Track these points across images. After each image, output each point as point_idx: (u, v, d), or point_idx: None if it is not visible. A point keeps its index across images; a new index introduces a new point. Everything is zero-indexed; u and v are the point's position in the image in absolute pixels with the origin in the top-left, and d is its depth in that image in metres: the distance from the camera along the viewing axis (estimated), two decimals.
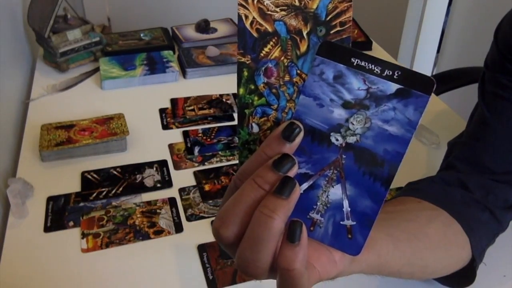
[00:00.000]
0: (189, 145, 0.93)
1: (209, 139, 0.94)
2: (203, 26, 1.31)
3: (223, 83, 1.13)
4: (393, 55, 1.53)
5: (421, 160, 0.91)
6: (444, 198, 0.58)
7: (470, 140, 0.65)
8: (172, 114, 1.02)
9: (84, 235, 0.73)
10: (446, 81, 1.34)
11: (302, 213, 0.37)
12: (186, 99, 1.06)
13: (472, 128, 0.66)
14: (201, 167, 0.88)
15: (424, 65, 2.05)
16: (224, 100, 1.06)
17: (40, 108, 1.02)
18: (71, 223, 0.75)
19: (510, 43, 0.62)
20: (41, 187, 0.81)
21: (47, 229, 0.74)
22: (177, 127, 0.98)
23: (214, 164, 0.89)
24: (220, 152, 0.91)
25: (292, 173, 0.35)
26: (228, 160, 0.89)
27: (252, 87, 0.38)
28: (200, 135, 0.95)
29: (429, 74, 2.05)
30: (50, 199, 0.79)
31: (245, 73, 0.38)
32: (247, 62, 0.37)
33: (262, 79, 0.38)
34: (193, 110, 1.03)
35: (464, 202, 0.59)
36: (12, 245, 0.72)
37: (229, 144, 0.93)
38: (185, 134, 0.96)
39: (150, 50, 1.21)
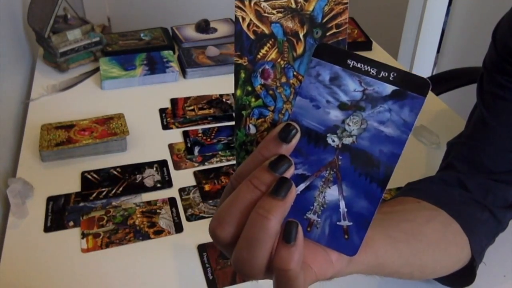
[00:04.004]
0: (189, 145, 0.93)
1: (209, 139, 0.94)
2: (203, 26, 1.31)
3: (223, 83, 1.13)
4: (393, 55, 1.53)
5: (421, 160, 0.91)
6: (443, 198, 0.58)
7: (469, 140, 0.65)
8: (172, 114, 1.02)
9: (84, 235, 0.73)
10: (446, 81, 1.34)
11: (299, 214, 0.37)
12: (186, 99, 1.06)
13: (471, 128, 0.66)
14: (201, 167, 0.88)
15: (424, 65, 2.05)
16: (224, 100, 1.06)
17: (40, 108, 1.02)
18: (71, 223, 0.75)
19: (508, 44, 0.62)
20: (41, 187, 0.81)
21: (47, 229, 0.74)
22: (177, 127, 0.98)
23: (214, 164, 0.89)
24: (220, 152, 0.91)
25: (288, 174, 0.35)
26: (228, 160, 0.89)
27: (249, 88, 0.38)
28: (200, 135, 0.95)
29: (429, 74, 2.05)
30: (50, 199, 0.79)
31: (242, 75, 0.38)
32: (244, 64, 0.37)
33: (259, 80, 0.38)
34: (193, 110, 1.03)
35: (464, 202, 0.59)
36: (12, 245, 0.72)
37: (229, 144, 0.93)
38: (185, 134, 0.96)
39: (150, 50, 1.21)
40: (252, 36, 0.37)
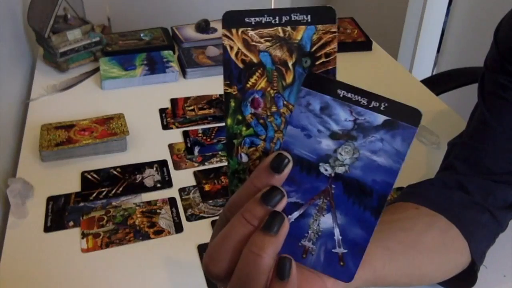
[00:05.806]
0: (189, 145, 0.93)
1: (209, 139, 0.94)
2: (203, 26, 1.31)
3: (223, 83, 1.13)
4: (393, 55, 1.52)
5: (421, 160, 0.91)
6: (442, 202, 0.58)
7: (469, 140, 0.65)
8: (172, 114, 1.02)
9: (84, 235, 0.73)
10: (446, 81, 1.34)
11: (294, 241, 0.37)
12: (186, 99, 1.06)
13: (472, 129, 0.66)
14: (201, 167, 0.88)
15: (424, 65, 2.05)
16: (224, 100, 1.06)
17: (40, 108, 1.02)
18: (71, 223, 0.75)
19: (509, 44, 0.62)
20: (41, 187, 0.81)
21: (47, 229, 0.74)
22: (177, 127, 0.98)
23: (214, 164, 0.89)
24: (220, 152, 0.91)
25: (281, 206, 0.35)
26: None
27: (240, 117, 0.38)
28: (200, 135, 0.95)
29: (429, 74, 2.05)
30: (50, 199, 0.79)
31: (232, 104, 0.38)
32: (234, 93, 0.37)
33: (249, 109, 0.38)
34: (193, 110, 1.03)
35: (463, 205, 0.58)
36: (12, 245, 0.72)
37: None
38: (185, 134, 0.96)
39: (150, 50, 1.21)
40: (240, 65, 0.37)
